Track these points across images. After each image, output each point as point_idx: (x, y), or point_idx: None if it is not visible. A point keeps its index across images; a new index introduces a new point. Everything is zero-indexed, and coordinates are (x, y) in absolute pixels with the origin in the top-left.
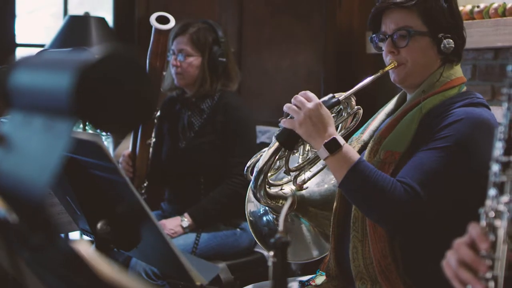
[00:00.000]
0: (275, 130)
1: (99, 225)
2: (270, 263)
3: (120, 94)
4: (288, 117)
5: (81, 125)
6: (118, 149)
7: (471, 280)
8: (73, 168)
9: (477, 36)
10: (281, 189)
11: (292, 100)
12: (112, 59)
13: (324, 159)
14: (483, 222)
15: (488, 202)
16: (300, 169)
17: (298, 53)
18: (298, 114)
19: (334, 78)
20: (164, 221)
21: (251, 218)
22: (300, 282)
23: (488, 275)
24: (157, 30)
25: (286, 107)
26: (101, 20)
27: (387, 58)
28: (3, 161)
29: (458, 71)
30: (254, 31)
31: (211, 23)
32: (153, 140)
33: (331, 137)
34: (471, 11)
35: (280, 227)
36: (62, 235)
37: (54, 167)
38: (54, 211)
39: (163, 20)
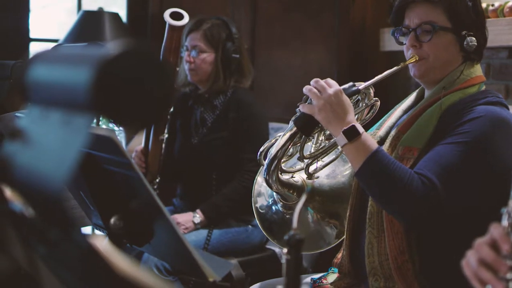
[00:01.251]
0: (287, 127)
1: (112, 220)
2: (284, 261)
3: (139, 89)
4: (307, 102)
5: (95, 120)
6: (130, 145)
7: (491, 280)
8: (87, 163)
9: (491, 34)
10: (292, 177)
11: (312, 83)
12: (131, 54)
13: (342, 146)
14: (505, 222)
15: (511, 203)
16: (314, 157)
17: (311, 51)
18: (318, 99)
19: (347, 76)
20: (176, 217)
21: (261, 211)
22: (312, 279)
23: (509, 275)
24: (171, 26)
25: (306, 90)
26: (115, 16)
27: (408, 52)
28: (20, 155)
29: (478, 70)
30: (267, 28)
31: (224, 19)
32: (166, 136)
33: (351, 125)
34: (486, 10)
35: (294, 224)
36: (80, 229)
37: (71, 162)
38: (69, 206)
39: (177, 16)
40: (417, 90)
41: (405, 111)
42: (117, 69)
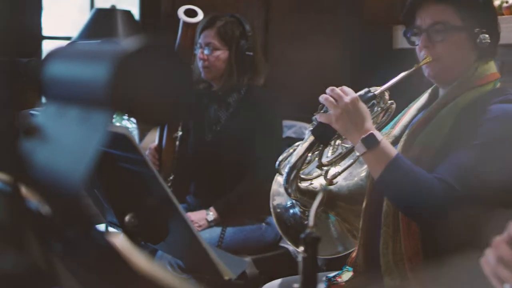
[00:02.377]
0: (301, 125)
1: (127, 218)
2: (300, 259)
3: (157, 85)
4: (323, 111)
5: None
6: (144, 142)
7: (509, 278)
8: (101, 161)
9: (506, 31)
10: (311, 184)
11: (328, 91)
12: (148, 50)
13: (361, 155)
14: None
15: None
16: (332, 163)
17: (324, 47)
18: (335, 107)
19: (360, 72)
20: (189, 214)
21: (278, 210)
22: (326, 277)
23: None
24: (185, 23)
25: (323, 98)
26: (127, 13)
27: (421, 53)
28: (37, 153)
29: (492, 67)
30: (280, 25)
31: (238, 17)
32: (180, 133)
33: (369, 132)
34: (500, 7)
35: (310, 222)
36: (97, 227)
37: (89, 159)
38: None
39: (191, 13)
40: (431, 88)
41: (420, 110)
42: (134, 65)
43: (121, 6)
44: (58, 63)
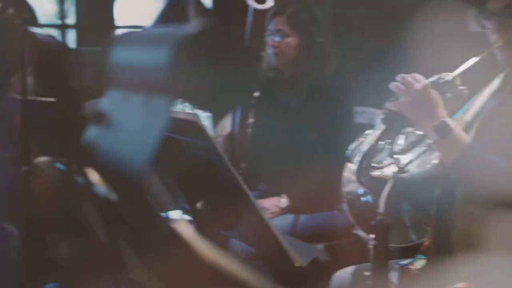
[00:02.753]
0: (371, 110)
1: (199, 205)
2: (370, 246)
3: (220, 70)
4: (394, 99)
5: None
6: (216, 130)
7: None
8: (173, 148)
9: None
10: (383, 172)
11: (399, 79)
12: (211, 33)
13: (434, 143)
14: None
15: None
16: (404, 151)
17: (390, 32)
18: (406, 95)
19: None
20: (262, 201)
21: (349, 197)
22: (399, 265)
23: None
24: (255, 10)
25: (394, 86)
26: (198, 1)
27: (493, 36)
28: (103, 139)
29: None
30: (348, 11)
31: (308, 2)
32: (252, 120)
33: (441, 120)
34: None
35: (381, 209)
36: (163, 214)
37: (153, 144)
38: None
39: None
40: (503, 73)
41: (492, 95)
42: (196, 49)
43: None
44: (122, 50)
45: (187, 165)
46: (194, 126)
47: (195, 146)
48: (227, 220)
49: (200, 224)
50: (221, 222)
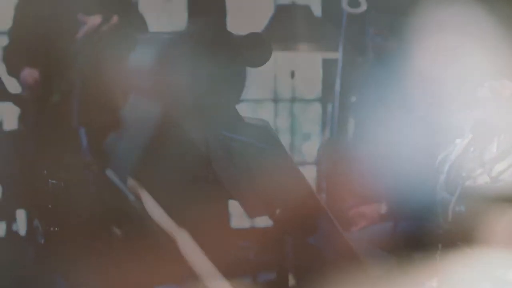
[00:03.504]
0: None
1: (277, 211)
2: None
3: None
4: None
5: None
6: None
7: None
8: (248, 155)
9: None
10: (475, 182)
11: (485, 85)
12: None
13: None
14: None
15: None
16: (496, 160)
17: None
18: (494, 104)
19: None
20: (362, 207)
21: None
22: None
23: None
24: (348, 14)
25: (480, 93)
26: (306, 9)
27: None
28: (119, 145)
29: None
30: None
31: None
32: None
33: None
34: None
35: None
36: None
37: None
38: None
39: (354, 3)
40: None
41: None
42: (180, 53)
43: (301, 1)
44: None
45: (263, 172)
46: (265, 132)
47: (267, 152)
48: (303, 228)
49: (276, 231)
50: (297, 230)
